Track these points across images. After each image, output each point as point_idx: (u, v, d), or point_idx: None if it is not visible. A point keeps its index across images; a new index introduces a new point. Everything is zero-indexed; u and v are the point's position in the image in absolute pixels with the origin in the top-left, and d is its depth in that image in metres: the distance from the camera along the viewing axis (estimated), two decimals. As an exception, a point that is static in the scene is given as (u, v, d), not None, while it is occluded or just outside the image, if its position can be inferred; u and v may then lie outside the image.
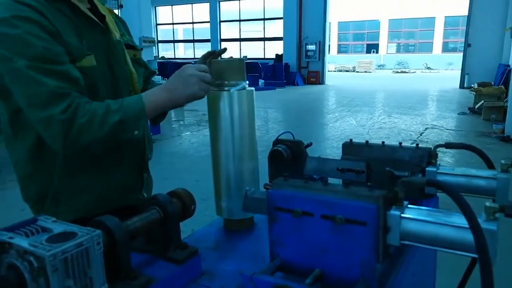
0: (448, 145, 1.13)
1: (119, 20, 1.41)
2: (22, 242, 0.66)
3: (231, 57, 1.23)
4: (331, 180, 1.36)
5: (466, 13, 16.43)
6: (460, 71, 16.95)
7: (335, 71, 28.22)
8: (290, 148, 1.44)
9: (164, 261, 0.92)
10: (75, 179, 1.24)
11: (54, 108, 1.04)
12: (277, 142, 1.46)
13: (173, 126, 9.43)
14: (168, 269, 0.89)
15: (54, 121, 1.04)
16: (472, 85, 13.04)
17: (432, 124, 9.03)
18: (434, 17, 32.47)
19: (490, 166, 1.07)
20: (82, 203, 1.25)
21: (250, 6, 22.24)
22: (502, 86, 10.92)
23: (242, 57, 1.26)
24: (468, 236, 0.71)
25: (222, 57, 1.31)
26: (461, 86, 16.22)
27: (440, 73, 26.90)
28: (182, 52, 27.14)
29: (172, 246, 0.93)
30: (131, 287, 0.79)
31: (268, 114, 10.78)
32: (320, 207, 0.82)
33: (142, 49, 1.48)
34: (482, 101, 9.61)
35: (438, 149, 1.15)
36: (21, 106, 1.10)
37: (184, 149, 7.33)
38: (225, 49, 1.33)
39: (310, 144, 1.57)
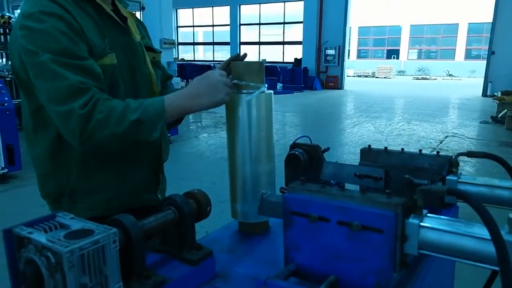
0: (470, 154, 1.10)
1: (140, 24, 1.43)
2: (40, 237, 0.67)
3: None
4: (348, 186, 1.34)
5: (490, 20, 16.10)
6: (483, 79, 16.60)
7: (354, 76, 28.01)
8: (307, 152, 1.43)
9: (179, 261, 0.92)
10: (92, 178, 1.25)
11: (74, 102, 1.05)
12: (294, 146, 1.45)
13: (191, 127, 9.51)
14: (182, 270, 0.89)
15: (73, 116, 1.05)
16: (495, 94, 12.75)
17: (452, 132, 8.86)
18: (458, 24, 31.91)
19: (514, 176, 1.04)
20: (98, 202, 1.26)
21: (270, 10, 22.28)
22: (527, 95, 10.64)
23: (261, 60, 1.25)
24: (490, 248, 0.69)
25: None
26: (484, 94, 15.88)
27: (462, 81, 26.41)
28: (202, 54, 27.36)
29: (186, 246, 0.93)
30: (145, 286, 0.79)
31: (285, 118, 10.75)
32: (337, 213, 0.81)
33: (161, 52, 1.50)
34: (506, 110, 9.38)
35: (460, 157, 1.12)
36: (42, 100, 1.12)
37: (201, 151, 7.37)
38: (245, 55, 1.33)
39: (328, 149, 1.56)
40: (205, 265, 0.92)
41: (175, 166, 5.97)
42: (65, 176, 1.24)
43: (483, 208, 0.66)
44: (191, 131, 9.05)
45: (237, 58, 1.30)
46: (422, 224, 0.76)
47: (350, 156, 6.67)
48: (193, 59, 25.12)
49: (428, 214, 0.79)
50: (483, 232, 0.71)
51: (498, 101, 10.74)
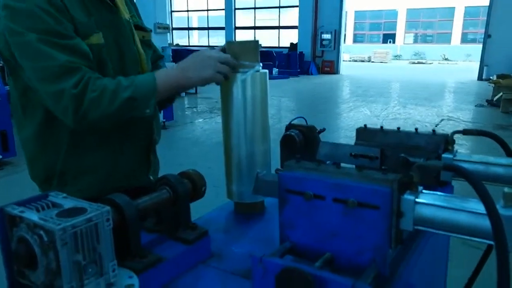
0: (466, 132, 1.09)
1: (130, 2, 1.40)
2: (32, 216, 0.66)
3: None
4: (343, 165, 1.34)
5: (487, 3, 15.99)
6: (479, 63, 16.57)
7: (350, 61, 27.83)
8: (302, 133, 1.42)
9: (174, 241, 0.92)
10: (82, 159, 1.24)
11: (66, 82, 1.05)
12: (289, 127, 1.44)
13: (186, 113, 9.46)
14: (178, 249, 0.89)
15: (65, 95, 1.05)
16: (491, 77, 12.74)
17: (448, 116, 8.88)
18: (454, 7, 31.70)
19: (509, 154, 1.03)
20: (89, 183, 1.26)
21: (266, -6, 21.99)
22: (522, 78, 10.63)
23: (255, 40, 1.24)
24: (485, 222, 0.69)
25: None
26: (480, 78, 15.86)
27: (458, 65, 26.35)
28: (197, 39, 27.07)
29: (182, 226, 0.93)
30: (140, 265, 0.79)
31: (281, 103, 10.72)
32: (332, 190, 0.80)
33: (151, 31, 1.47)
34: (501, 93, 9.39)
35: (455, 138, 1.12)
36: (31, 81, 1.10)
37: (196, 136, 7.35)
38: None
39: (323, 129, 1.55)
40: (201, 245, 0.92)
41: (170, 152, 5.95)
42: (54, 158, 1.23)
43: (478, 182, 0.66)
44: (186, 116, 9.00)
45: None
46: (417, 200, 0.76)
47: (347, 140, 6.68)
48: (188, 45, 24.87)
49: (424, 191, 0.79)
50: (478, 207, 0.71)
51: (493, 85, 10.73)
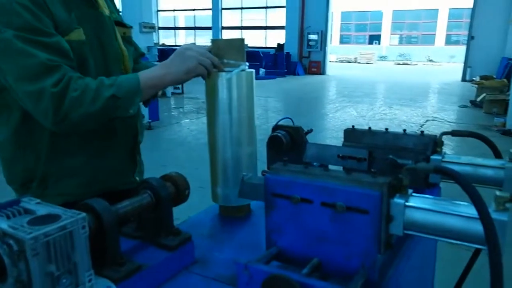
0: (454, 133, 1.08)
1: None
2: (1, 223, 0.62)
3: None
4: (331, 168, 1.32)
5: (470, 5, 16.24)
6: (462, 64, 16.81)
7: (336, 61, 27.96)
8: (289, 134, 1.39)
9: (156, 247, 0.88)
10: (65, 161, 1.19)
11: (45, 81, 1.00)
12: (276, 128, 1.42)
13: (172, 113, 9.37)
14: (159, 256, 0.85)
15: (45, 95, 1.00)
16: (474, 78, 12.94)
17: (433, 116, 8.98)
18: (438, 9, 32.14)
19: (497, 155, 1.02)
20: (72, 186, 1.21)
21: (253, -6, 21.96)
22: (505, 80, 10.84)
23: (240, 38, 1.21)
24: (476, 227, 0.67)
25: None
26: (463, 79, 16.09)
27: (443, 66, 26.71)
28: (183, 39, 26.87)
29: (164, 232, 0.89)
30: (119, 274, 0.75)
31: (268, 103, 10.70)
32: (320, 194, 0.78)
33: (131, 27, 1.43)
34: (484, 94, 9.53)
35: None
36: (8, 80, 1.05)
37: (183, 137, 7.28)
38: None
39: (311, 130, 1.53)
40: (184, 251, 0.89)
41: (156, 153, 5.88)
42: (34, 160, 1.18)
43: (470, 186, 0.64)
44: (172, 117, 8.92)
45: None
46: (407, 203, 0.74)
47: (333, 140, 6.69)
48: (174, 44, 24.68)
49: (414, 194, 0.77)
50: (470, 210, 0.69)
51: (477, 86, 10.91)
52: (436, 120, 8.56)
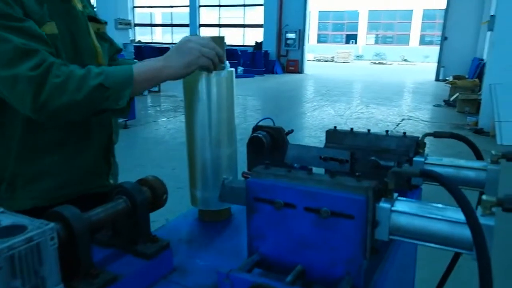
0: (436, 134, 1.08)
1: None
2: (-40, 236, 0.56)
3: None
4: (313, 169, 1.30)
5: (443, 6, 16.62)
6: (436, 64, 17.21)
7: (314, 60, 28.13)
8: (270, 135, 1.36)
9: (132, 255, 0.84)
10: (35, 163, 1.13)
11: (21, 65, 0.94)
12: (257, 128, 1.39)
13: (149, 111, 9.21)
14: (136, 265, 0.81)
15: (21, 79, 0.94)
16: (447, 78, 13.26)
17: (408, 115, 9.14)
18: (412, 10, 32.80)
19: (479, 157, 1.02)
20: (42, 190, 1.15)
21: (230, -8, 21.85)
22: (477, 79, 11.14)
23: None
24: (463, 232, 0.66)
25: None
26: (437, 78, 16.47)
27: (417, 66, 27.26)
28: (160, 36, 26.51)
29: (140, 239, 0.85)
30: (92, 286, 0.70)
31: (246, 102, 10.67)
32: (304, 199, 0.75)
33: (106, 23, 1.36)
34: (457, 94, 9.77)
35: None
36: None
37: (160, 135, 7.17)
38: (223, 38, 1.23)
39: (292, 131, 1.50)
40: (162, 259, 0.85)
41: (133, 152, 5.76)
42: (3, 160, 1.12)
43: (457, 190, 0.63)
44: (149, 115, 8.77)
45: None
46: (393, 208, 0.72)
47: (311, 139, 6.72)
48: (151, 41, 24.31)
49: (399, 198, 0.75)
50: (456, 215, 0.68)
51: (450, 85, 11.18)
52: (411, 119, 8.72)
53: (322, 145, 1.24)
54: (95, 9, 1.37)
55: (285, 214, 0.77)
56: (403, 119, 8.69)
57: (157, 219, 0.88)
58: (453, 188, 0.63)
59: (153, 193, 0.89)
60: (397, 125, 8.06)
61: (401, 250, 1.01)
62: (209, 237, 1.04)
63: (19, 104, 0.99)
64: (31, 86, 0.94)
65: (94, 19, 1.27)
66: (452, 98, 10.17)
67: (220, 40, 1.08)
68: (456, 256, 1.14)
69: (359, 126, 7.77)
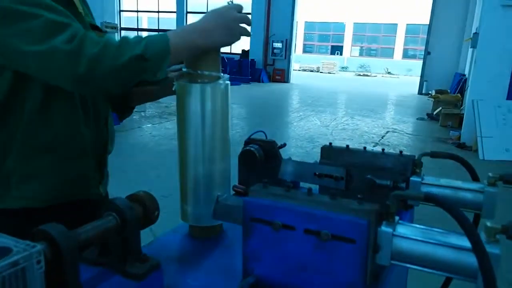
0: (433, 154, 1.07)
1: (83, 1, 1.29)
2: None
3: None
4: (306, 185, 1.27)
5: (427, 22, 17.00)
6: (418, 78, 17.53)
7: (299, 70, 28.35)
8: (263, 149, 1.34)
9: (121, 276, 0.80)
10: (30, 163, 1.11)
11: (56, 38, 0.90)
12: (249, 141, 1.36)
13: (134, 117, 9.09)
14: (125, 286, 0.77)
15: (58, 52, 0.90)
16: (430, 92, 13.51)
17: (392, 128, 9.25)
18: (397, 24, 33.46)
19: (475, 178, 1.02)
20: (34, 190, 1.12)
21: (218, -1, 21.95)
22: (459, 94, 11.38)
23: None
24: (468, 259, 0.64)
25: None
26: (420, 92, 16.78)
27: (400, 78, 27.75)
28: (146, 41, 26.37)
29: (130, 258, 0.81)
30: (79, 311, 0.66)
31: (232, 110, 10.64)
32: (304, 220, 0.73)
33: (106, 32, 1.34)
34: (440, 108, 9.95)
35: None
36: (12, 54, 0.95)
37: (144, 142, 7.07)
38: None
39: (284, 145, 1.48)
40: (152, 280, 0.81)
41: (117, 158, 5.62)
42: (1, 158, 1.09)
43: (465, 218, 0.61)
44: (133, 121, 8.65)
45: None
46: (395, 233, 0.70)
47: (298, 149, 6.72)
48: (137, 46, 24.10)
49: (400, 221, 0.74)
50: (460, 241, 0.66)
51: (433, 99, 11.38)
52: (396, 132, 8.83)
53: (308, 156, 1.22)
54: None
55: (284, 235, 0.75)
56: (387, 132, 8.79)
57: (142, 230, 0.84)
58: (459, 214, 0.61)
59: (144, 210, 0.85)
60: (382, 137, 8.14)
61: (396, 270, 0.99)
62: (201, 255, 1.00)
63: (59, 79, 0.96)
64: (69, 60, 0.91)
65: (96, 27, 1.26)
66: (435, 112, 10.35)
67: (215, 52, 1.05)
68: (448, 280, 1.13)
69: (345, 138, 7.82)
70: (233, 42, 1.04)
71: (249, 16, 1.07)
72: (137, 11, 25.15)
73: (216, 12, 1.04)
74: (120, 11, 24.30)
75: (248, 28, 1.05)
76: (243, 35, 1.04)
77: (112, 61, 0.92)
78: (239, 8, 1.05)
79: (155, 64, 0.95)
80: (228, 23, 1.02)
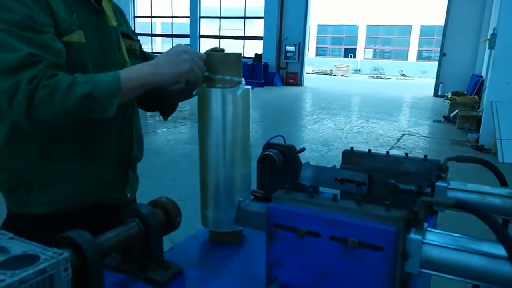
0: (459, 159, 1.04)
1: (117, 10, 1.33)
2: (-33, 267, 0.52)
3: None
4: (326, 190, 1.26)
5: (441, 23, 16.76)
6: (433, 80, 17.29)
7: (312, 73, 28.25)
8: (282, 153, 1.33)
9: (143, 282, 0.79)
10: (52, 168, 1.13)
11: (22, 75, 0.93)
12: (268, 146, 1.36)
13: (149, 121, 9.17)
14: (148, 293, 0.77)
15: (20, 91, 0.93)
16: (446, 94, 13.32)
17: (408, 131, 9.13)
18: (411, 26, 33.13)
19: (503, 183, 0.99)
20: (58, 195, 1.14)
21: (231, 4, 22.03)
22: (476, 96, 11.18)
23: (220, 48, 1.16)
24: (502, 268, 0.62)
25: None
26: (435, 94, 16.55)
27: (415, 81, 27.42)
28: (160, 46, 26.64)
29: (153, 265, 0.80)
30: (104, 318, 0.66)
31: (246, 114, 10.64)
32: (329, 227, 0.71)
33: (139, 40, 1.39)
34: (457, 110, 9.79)
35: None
36: None
37: (160, 146, 7.11)
38: (223, 50, 1.22)
39: (303, 149, 1.48)
40: (175, 286, 0.80)
41: (132, 162, 5.69)
42: (22, 165, 1.12)
43: (499, 225, 0.59)
44: (148, 125, 8.73)
45: (215, 51, 1.18)
46: (425, 240, 0.68)
47: (312, 153, 6.68)
48: (151, 51, 24.40)
49: (429, 229, 0.72)
50: (493, 249, 0.64)
51: (449, 101, 11.20)
52: (412, 135, 8.72)
53: (323, 160, 1.21)
54: (131, 29, 1.40)
55: (308, 242, 0.73)
56: (403, 134, 8.68)
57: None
58: (493, 221, 0.59)
59: (167, 216, 0.85)
60: (398, 140, 8.04)
61: (420, 281, 0.97)
62: (222, 261, 0.99)
63: (16, 116, 0.98)
64: (25, 99, 0.94)
65: (127, 35, 1.30)
66: (452, 114, 10.18)
67: (236, 57, 1.05)
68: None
69: (360, 141, 7.75)
70: (183, 72, 1.04)
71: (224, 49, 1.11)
72: (151, 17, 25.46)
73: (169, 49, 1.09)
74: (135, 17, 24.64)
75: (201, 62, 1.05)
76: (193, 70, 1.04)
77: (62, 102, 0.95)
78: (187, 46, 1.08)
79: (103, 102, 0.99)
80: (176, 54, 1.05)
